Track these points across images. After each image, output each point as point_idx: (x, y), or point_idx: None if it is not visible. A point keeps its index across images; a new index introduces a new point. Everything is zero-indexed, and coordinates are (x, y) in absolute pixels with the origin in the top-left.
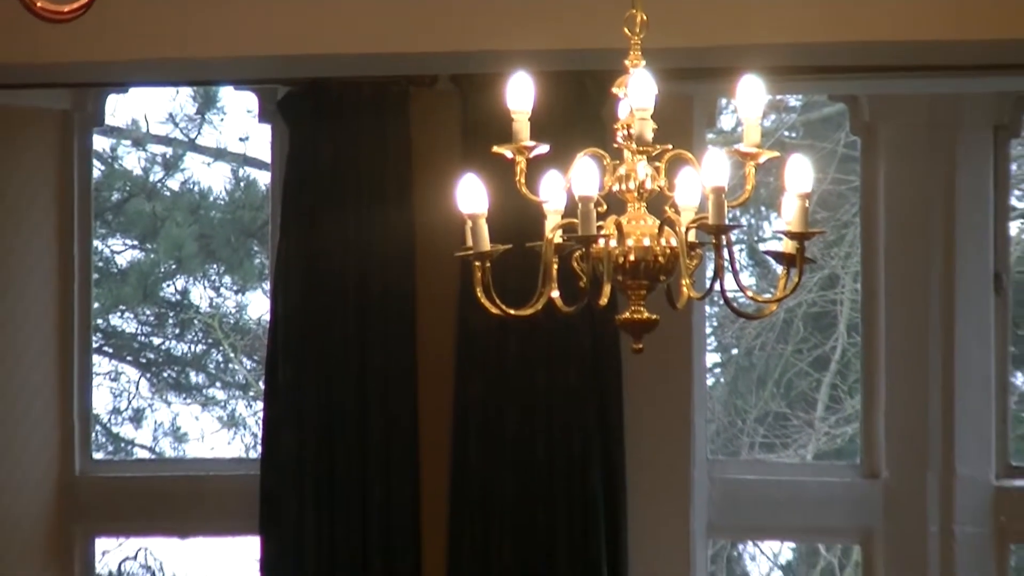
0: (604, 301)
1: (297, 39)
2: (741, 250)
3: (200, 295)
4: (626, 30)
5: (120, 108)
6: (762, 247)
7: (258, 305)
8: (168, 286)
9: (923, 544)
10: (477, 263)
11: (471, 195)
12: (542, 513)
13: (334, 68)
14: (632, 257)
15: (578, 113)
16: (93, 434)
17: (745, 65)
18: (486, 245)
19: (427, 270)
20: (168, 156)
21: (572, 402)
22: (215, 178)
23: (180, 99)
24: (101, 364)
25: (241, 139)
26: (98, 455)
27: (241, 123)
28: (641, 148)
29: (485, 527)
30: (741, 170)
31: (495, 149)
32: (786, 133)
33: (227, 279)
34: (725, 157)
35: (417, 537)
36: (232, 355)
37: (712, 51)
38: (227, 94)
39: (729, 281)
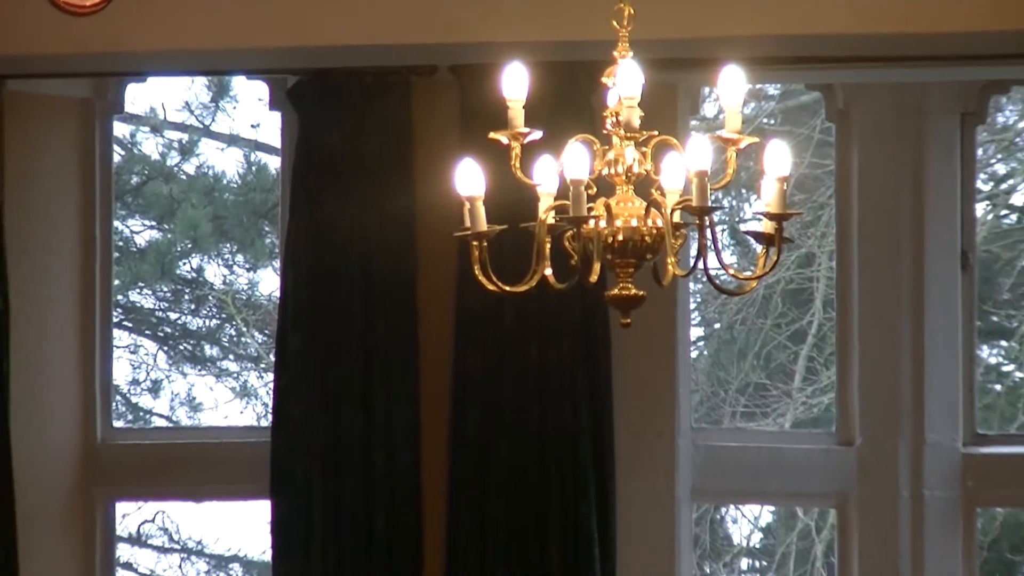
0: (594, 278)
1: (306, 31)
2: (723, 230)
3: (214, 272)
4: (614, 23)
5: (139, 96)
6: (743, 227)
7: (269, 282)
8: (184, 264)
9: (895, 508)
10: (475, 242)
11: (469, 178)
12: (535, 478)
13: (340, 58)
14: (620, 237)
15: (569, 101)
16: (113, 404)
17: (727, 55)
18: (483, 225)
19: (427, 249)
20: (184, 142)
21: (564, 374)
22: (228, 162)
23: (195, 88)
24: (121, 338)
25: (253, 126)
26: (118, 423)
27: (253, 111)
28: (629, 134)
29: (482, 490)
30: (723, 155)
31: (491, 135)
32: (765, 120)
33: (240, 257)
34: (708, 143)
35: (418, 499)
36: (244, 329)
37: (695, 42)
38: (240, 83)
39: (712, 260)
